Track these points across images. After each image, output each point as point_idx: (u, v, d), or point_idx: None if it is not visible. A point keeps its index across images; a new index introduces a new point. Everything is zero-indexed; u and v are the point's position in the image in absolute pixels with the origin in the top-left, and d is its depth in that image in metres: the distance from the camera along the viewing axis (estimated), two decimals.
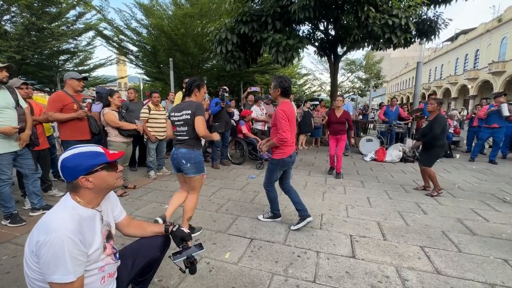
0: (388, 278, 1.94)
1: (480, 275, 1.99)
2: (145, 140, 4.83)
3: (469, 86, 26.79)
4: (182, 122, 2.38)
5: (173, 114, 2.43)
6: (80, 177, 1.10)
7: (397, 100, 8.18)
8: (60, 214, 1.06)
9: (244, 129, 5.91)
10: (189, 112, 2.33)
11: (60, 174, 1.12)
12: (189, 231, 1.47)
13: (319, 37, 9.35)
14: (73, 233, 1.00)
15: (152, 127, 4.49)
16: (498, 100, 6.07)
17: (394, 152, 6.34)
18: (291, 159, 2.71)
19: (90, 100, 4.62)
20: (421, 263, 2.14)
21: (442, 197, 3.80)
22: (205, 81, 3.26)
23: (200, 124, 2.33)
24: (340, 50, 9.52)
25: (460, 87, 29.09)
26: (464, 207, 3.42)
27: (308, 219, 2.68)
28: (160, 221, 2.45)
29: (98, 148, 1.17)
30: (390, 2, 6.56)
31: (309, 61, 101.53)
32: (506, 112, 5.87)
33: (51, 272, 0.97)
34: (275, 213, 2.93)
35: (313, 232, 2.67)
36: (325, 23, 8.61)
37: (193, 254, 1.37)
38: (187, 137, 2.39)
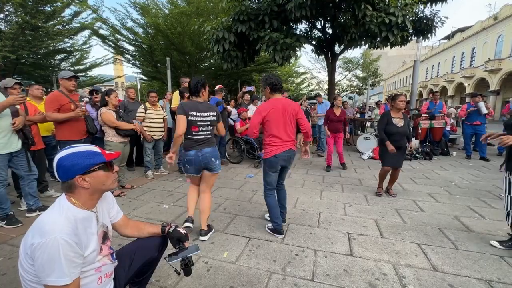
0: (385, 276, 1.95)
1: (477, 271, 2.01)
2: (141, 140, 4.81)
3: (466, 84, 26.96)
4: (208, 123, 2.47)
5: (194, 113, 2.38)
6: (77, 177, 1.09)
7: None
8: (55, 216, 1.05)
9: (238, 125, 5.93)
10: (215, 114, 2.51)
11: (55, 173, 1.10)
12: (186, 232, 1.46)
13: (316, 36, 9.34)
14: (68, 235, 0.99)
15: (148, 126, 4.47)
16: (474, 100, 6.36)
17: None
18: (277, 158, 2.49)
19: (87, 99, 4.58)
20: (418, 260, 2.15)
21: (439, 194, 3.83)
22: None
23: (223, 128, 2.73)
24: (337, 48, 9.53)
25: (456, 85, 29.26)
26: (461, 204, 3.44)
27: (279, 236, 2.54)
28: (191, 225, 2.54)
29: (95, 148, 1.17)
30: (387, 0, 6.57)
31: (307, 60, 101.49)
32: (484, 110, 6.22)
33: (46, 275, 0.96)
34: (274, 226, 2.59)
35: (311, 231, 2.68)
36: (322, 21, 8.59)
37: (188, 256, 1.36)
38: (211, 136, 2.54)
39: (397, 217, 3.03)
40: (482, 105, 6.23)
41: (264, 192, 2.65)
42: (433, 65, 36.30)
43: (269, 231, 2.64)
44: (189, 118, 2.37)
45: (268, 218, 2.76)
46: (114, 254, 1.31)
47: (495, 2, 39.99)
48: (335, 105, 5.32)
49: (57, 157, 1.10)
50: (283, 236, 2.55)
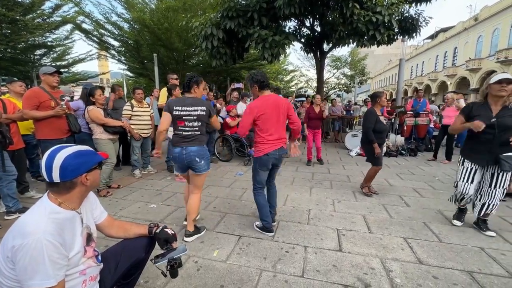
0: (373, 270, 2.00)
1: (459, 263, 2.08)
2: (129, 138, 4.69)
3: (448, 83, 27.86)
4: (195, 118, 2.33)
5: (180, 108, 2.30)
6: (84, 175, 1.10)
7: None
8: (37, 217, 1.01)
9: (229, 119, 5.92)
10: (204, 108, 2.36)
11: (57, 173, 1.04)
12: (173, 233, 1.44)
13: (305, 34, 9.39)
14: (52, 235, 0.96)
15: (135, 124, 4.35)
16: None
17: None
18: (268, 157, 2.44)
19: (68, 98, 4.40)
20: (404, 254, 2.21)
21: (423, 189, 3.95)
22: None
23: (217, 122, 2.69)
24: (326, 46, 9.61)
25: (439, 83, 30.21)
26: (444, 198, 3.56)
27: (269, 234, 2.52)
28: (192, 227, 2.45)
29: (89, 147, 1.19)
30: None
31: (296, 58, 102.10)
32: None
33: (29, 278, 0.92)
34: (264, 225, 2.56)
35: (300, 227, 2.70)
36: (311, 19, 8.64)
37: (175, 257, 1.33)
38: (199, 133, 2.38)
39: (384, 212, 3.11)
40: (462, 102, 6.48)
41: (253, 191, 2.60)
42: (417, 64, 37.27)
43: (257, 229, 2.62)
44: (174, 113, 2.31)
45: (257, 229, 2.63)
46: (100, 256, 1.27)
47: (475, 3, 41.39)
48: (314, 103, 5.63)
49: (62, 156, 1.04)
50: (272, 234, 2.54)
